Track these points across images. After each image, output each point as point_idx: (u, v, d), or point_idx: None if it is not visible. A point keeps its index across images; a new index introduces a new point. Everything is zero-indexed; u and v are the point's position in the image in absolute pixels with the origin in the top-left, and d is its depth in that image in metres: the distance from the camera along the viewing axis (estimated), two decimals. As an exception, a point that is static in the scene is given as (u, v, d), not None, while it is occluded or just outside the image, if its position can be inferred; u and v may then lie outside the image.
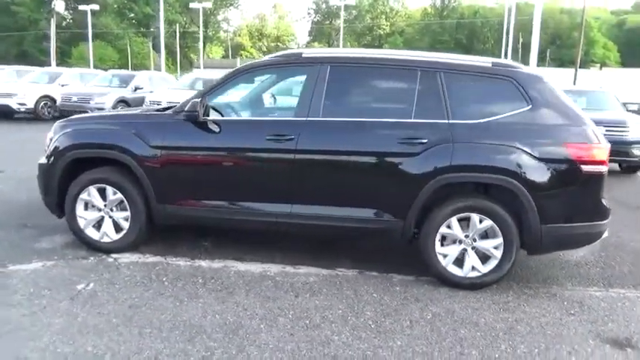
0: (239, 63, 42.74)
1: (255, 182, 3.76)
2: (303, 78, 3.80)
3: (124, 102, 13.20)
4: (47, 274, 3.59)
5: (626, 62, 67.41)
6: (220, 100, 3.99)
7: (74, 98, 12.99)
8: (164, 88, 14.26)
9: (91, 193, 3.95)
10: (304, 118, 3.65)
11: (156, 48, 62.40)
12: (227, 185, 3.81)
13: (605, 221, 3.57)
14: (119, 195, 3.91)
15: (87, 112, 12.62)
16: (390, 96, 3.82)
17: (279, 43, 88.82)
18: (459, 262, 3.63)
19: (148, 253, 4.06)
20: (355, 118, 3.70)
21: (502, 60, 3.87)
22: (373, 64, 3.81)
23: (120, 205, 3.96)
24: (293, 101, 3.88)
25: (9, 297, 3.23)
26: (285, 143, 3.63)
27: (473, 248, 3.60)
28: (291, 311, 3.18)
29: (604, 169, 3.48)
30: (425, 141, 3.51)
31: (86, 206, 4.01)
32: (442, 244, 3.63)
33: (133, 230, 3.95)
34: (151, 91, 13.81)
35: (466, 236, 3.59)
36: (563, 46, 70.06)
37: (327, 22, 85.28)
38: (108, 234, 4.01)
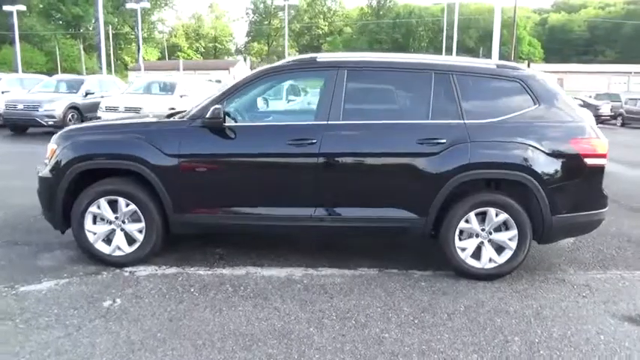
0: (182, 66, 41.57)
1: (278, 187, 3.77)
2: (319, 82, 3.84)
3: (75, 109, 12.54)
4: (65, 293, 3.42)
5: (548, 58, 72.22)
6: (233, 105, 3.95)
7: (20, 106, 12.16)
8: (117, 92, 13.71)
9: (102, 206, 3.80)
10: (325, 122, 3.70)
11: (87, 50, 59.61)
12: (249, 191, 3.79)
13: (605, 209, 3.89)
14: (132, 206, 3.78)
15: (35, 120, 12.02)
16: (406, 98, 3.94)
17: (217, 44, 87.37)
18: (476, 254, 3.82)
19: (162, 264, 3.95)
20: (373, 120, 3.79)
21: (505, 62, 4.10)
22: (388, 68, 3.92)
23: (132, 217, 3.83)
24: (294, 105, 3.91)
25: (35, 320, 3.06)
26: (307, 147, 3.66)
27: (489, 241, 3.80)
28: (333, 313, 3.23)
29: (604, 161, 3.79)
30: (443, 141, 3.66)
31: (94, 219, 3.85)
32: (460, 239, 3.81)
33: (147, 242, 3.83)
34: (102, 96, 13.22)
35: (482, 230, 3.79)
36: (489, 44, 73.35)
37: (266, 22, 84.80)
38: (120, 247, 3.86)
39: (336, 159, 3.71)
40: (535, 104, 3.79)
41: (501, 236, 3.78)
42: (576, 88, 34.37)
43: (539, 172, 3.66)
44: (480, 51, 59.18)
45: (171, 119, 4.00)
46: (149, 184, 3.75)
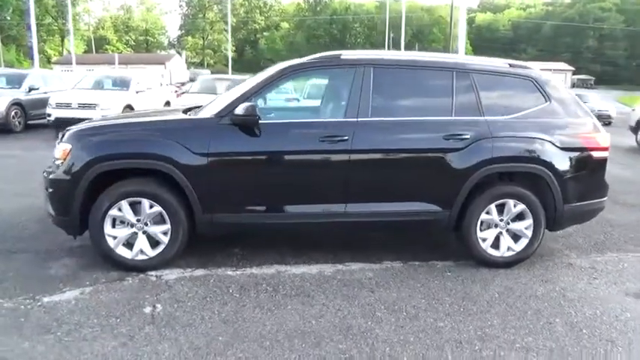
0: (117, 60, 39.39)
1: (311, 184, 3.77)
2: (344, 79, 3.87)
3: (18, 105, 11.65)
4: (97, 302, 3.24)
5: (477, 55, 75.96)
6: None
7: (-47, 104, 11.12)
8: (62, 87, 12.91)
9: (123, 208, 3.62)
10: (355, 119, 3.75)
11: (4, 42, 55.07)
12: (281, 189, 3.76)
13: (606, 198, 4.23)
14: (157, 208, 3.63)
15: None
16: (430, 96, 4.04)
17: (148, 37, 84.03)
18: (495, 244, 4.03)
19: (186, 266, 3.83)
20: (400, 117, 3.88)
21: (515, 62, 4.32)
22: (412, 66, 4.02)
23: (155, 219, 3.69)
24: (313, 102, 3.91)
25: (78, 331, 2.88)
26: (339, 144, 3.69)
27: (507, 230, 4.03)
28: (382, 306, 3.30)
29: (607, 154, 4.12)
30: (467, 137, 3.83)
31: (113, 223, 3.66)
32: (480, 229, 3.99)
33: (173, 244, 3.70)
34: (46, 92, 12.39)
35: (501, 220, 4.00)
36: (425, 41, 76.17)
37: (201, 15, 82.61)
38: (144, 251, 3.70)
39: (368, 155, 3.76)
40: (546, 101, 4.05)
41: (518, 225, 4.01)
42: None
43: (554, 164, 3.91)
44: (416, 47, 61.15)
45: (196, 116, 3.87)
46: (175, 184, 3.62)
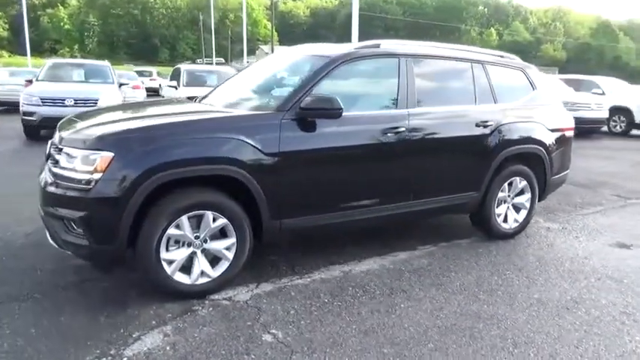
0: None
1: (377, 178, 3.65)
2: (389, 70, 3.82)
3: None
4: (194, 343, 2.67)
5: (282, 41, 78.75)
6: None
7: None
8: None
9: (183, 225, 3.02)
10: (406, 110, 3.75)
11: None
12: (351, 186, 3.56)
13: (569, 170, 5.05)
14: (222, 220, 3.12)
15: None
16: (457, 86, 4.23)
17: None
18: (504, 218, 4.51)
19: (243, 284, 3.37)
20: (437, 107, 4.00)
21: (504, 53, 4.78)
22: (441, 57, 4.14)
23: (214, 234, 3.17)
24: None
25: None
26: (398, 135, 3.66)
27: (512, 205, 4.54)
28: (475, 288, 3.45)
29: (572, 132, 4.91)
30: (491, 123, 4.16)
31: (167, 244, 3.03)
32: (496, 206, 4.42)
33: (238, 260, 3.23)
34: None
35: (508, 196, 4.49)
36: (233, 25, 75.65)
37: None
38: (206, 272, 3.16)
39: (420, 145, 3.81)
40: (533, 89, 4.63)
41: (521, 199, 4.55)
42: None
43: (547, 144, 4.53)
44: (229, 31, 60.41)
45: (259, 112, 3.36)
46: (239, 190, 3.15)
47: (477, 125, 4.09)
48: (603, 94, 13.95)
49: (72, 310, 2.96)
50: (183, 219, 3.00)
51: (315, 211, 3.46)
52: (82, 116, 3.69)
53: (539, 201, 4.89)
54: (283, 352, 2.60)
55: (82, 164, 2.86)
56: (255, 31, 78.35)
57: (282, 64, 4.34)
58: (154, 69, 32.45)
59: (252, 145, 3.11)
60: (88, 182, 2.82)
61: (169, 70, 44.18)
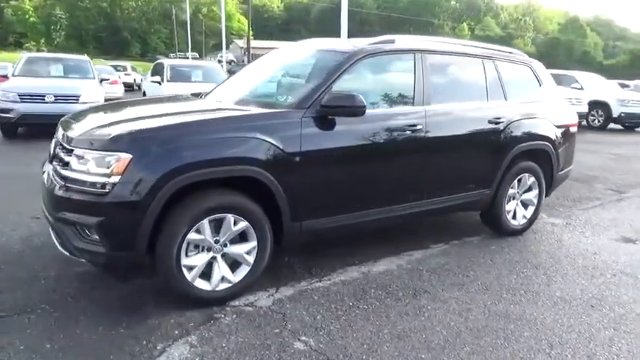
0: None
1: (396, 176, 3.58)
2: (404, 66, 3.74)
3: None
4: (223, 352, 2.55)
5: (256, 35, 78.06)
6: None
7: None
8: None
9: (204, 229, 2.88)
10: (423, 107, 3.68)
11: None
12: (372, 184, 3.46)
13: (572, 165, 5.08)
14: (243, 223, 2.99)
15: None
16: (469, 82, 4.16)
17: None
18: (513, 215, 4.50)
19: (262, 289, 3.25)
20: (451, 103, 3.94)
21: (511, 49, 4.74)
22: (454, 54, 4.07)
23: (234, 238, 3.04)
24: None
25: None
26: (416, 133, 3.59)
27: (520, 201, 4.53)
28: (497, 287, 3.41)
29: (576, 129, 4.93)
30: (503, 120, 4.13)
31: (186, 249, 2.89)
32: (507, 203, 4.40)
33: (259, 264, 3.11)
34: None
35: (517, 193, 4.48)
36: (206, 18, 74.45)
37: None
38: (226, 277, 3.02)
39: (438, 142, 3.74)
40: (540, 85, 4.62)
41: (529, 196, 4.55)
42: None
43: (553, 140, 4.53)
44: (202, 24, 59.45)
45: (278, 110, 3.22)
46: (259, 192, 3.02)
47: (490, 122, 4.06)
48: (582, 88, 14.24)
49: (87, 322, 2.79)
50: (205, 223, 2.86)
51: (335, 212, 3.36)
52: (86, 114, 3.50)
53: (545, 197, 4.91)
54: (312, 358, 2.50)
55: (96, 166, 2.69)
56: (227, 25, 77.29)
57: (291, 60, 4.21)
58: (127, 63, 31.62)
59: (274, 145, 2.99)
60: (104, 186, 2.65)
61: (142, 64, 43.27)
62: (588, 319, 3.03)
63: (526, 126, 4.30)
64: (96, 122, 3.07)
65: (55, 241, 2.99)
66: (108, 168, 2.66)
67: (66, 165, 2.84)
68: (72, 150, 2.82)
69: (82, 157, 2.74)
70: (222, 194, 2.93)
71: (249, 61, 38.64)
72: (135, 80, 27.42)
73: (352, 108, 3.13)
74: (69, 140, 2.92)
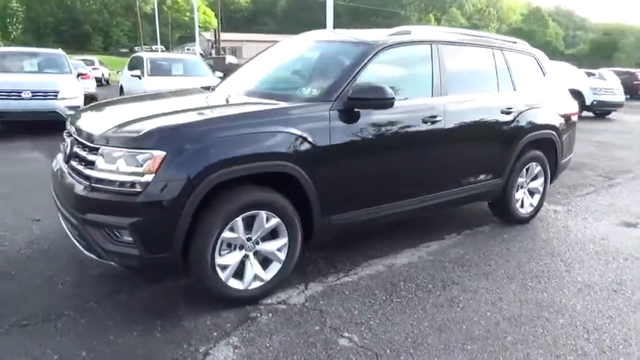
0: None
1: (418, 168, 3.58)
2: (420, 57, 3.72)
3: None
4: (269, 352, 2.50)
5: (223, 27, 76.86)
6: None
7: None
8: None
9: (237, 227, 2.80)
10: (441, 98, 3.67)
11: None
12: (395, 177, 3.43)
13: (573, 153, 5.19)
14: (275, 219, 2.92)
15: None
16: (481, 72, 4.17)
17: None
18: (521, 203, 4.57)
19: (292, 285, 3.20)
20: (466, 94, 3.95)
21: (514, 39, 4.77)
22: (466, 44, 4.07)
23: (265, 235, 2.97)
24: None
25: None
26: (437, 124, 3.59)
27: (527, 190, 4.61)
28: (520, 275, 3.46)
29: (576, 117, 5.04)
30: (514, 110, 4.18)
31: (219, 249, 2.81)
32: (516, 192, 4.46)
33: (290, 261, 3.06)
34: None
35: (525, 181, 4.55)
36: (172, 10, 72.81)
37: None
38: (259, 275, 2.96)
39: (456, 133, 3.75)
40: (544, 75, 4.69)
41: (535, 184, 4.63)
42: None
43: (558, 129, 4.62)
44: (168, 17, 58.05)
45: (308, 104, 3.13)
46: (289, 187, 2.96)
47: (502, 112, 4.09)
48: (556, 78, 14.58)
49: (118, 327, 2.68)
50: (239, 220, 2.78)
51: (362, 206, 3.32)
52: (99, 109, 3.34)
53: (550, 184, 5.02)
54: (368, 357, 2.47)
55: (126, 165, 2.56)
56: (193, 17, 75.80)
57: (304, 53, 4.12)
58: (94, 57, 30.60)
59: (306, 139, 2.93)
60: (135, 185, 2.54)
61: (107, 58, 41.90)
62: (615, 304, 3.10)
63: (534, 115, 4.36)
64: (118, 118, 2.92)
65: (78, 244, 2.85)
66: (140, 166, 2.54)
67: (90, 164, 2.70)
68: (96, 148, 2.69)
69: (110, 156, 2.62)
70: (255, 190, 2.85)
71: (217, 54, 37.87)
72: (103, 75, 26.56)
73: (381, 100, 3.09)
74: (90, 137, 2.78)
